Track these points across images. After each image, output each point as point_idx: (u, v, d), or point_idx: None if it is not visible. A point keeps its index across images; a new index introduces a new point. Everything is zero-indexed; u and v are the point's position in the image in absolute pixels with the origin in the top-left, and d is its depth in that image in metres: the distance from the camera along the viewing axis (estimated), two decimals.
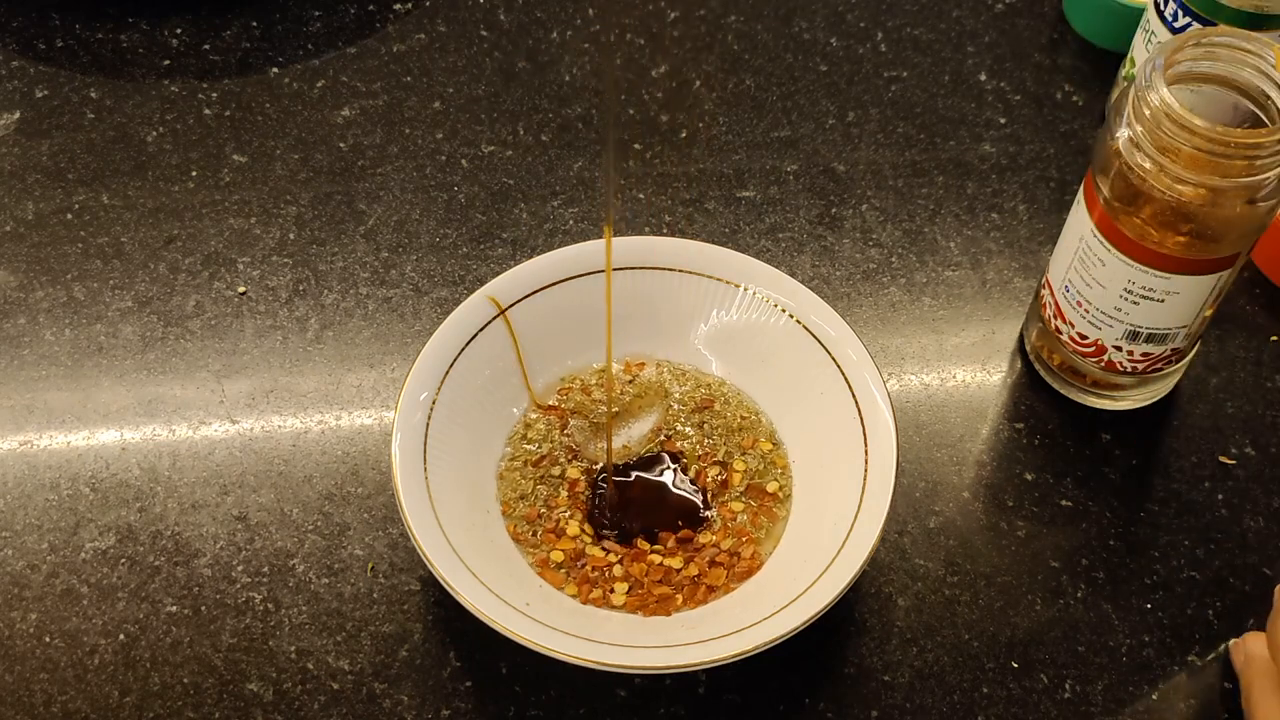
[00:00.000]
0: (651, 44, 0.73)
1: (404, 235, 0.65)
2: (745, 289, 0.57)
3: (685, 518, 0.55)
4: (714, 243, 0.58)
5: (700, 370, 0.59)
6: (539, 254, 0.57)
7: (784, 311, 0.56)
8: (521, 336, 0.57)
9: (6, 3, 0.74)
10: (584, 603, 0.52)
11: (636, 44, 0.73)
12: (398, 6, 0.74)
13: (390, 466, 0.51)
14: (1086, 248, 0.53)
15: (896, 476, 0.51)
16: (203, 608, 0.54)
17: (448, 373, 0.54)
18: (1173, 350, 0.56)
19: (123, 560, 0.55)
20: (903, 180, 0.68)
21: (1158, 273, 0.51)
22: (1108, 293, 0.54)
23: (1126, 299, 0.53)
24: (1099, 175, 0.52)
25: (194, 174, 0.68)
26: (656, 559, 0.53)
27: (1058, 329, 0.58)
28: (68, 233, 0.65)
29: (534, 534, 0.54)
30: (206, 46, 0.72)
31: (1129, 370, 0.57)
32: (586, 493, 0.55)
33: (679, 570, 0.53)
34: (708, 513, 0.55)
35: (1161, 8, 0.60)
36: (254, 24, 0.74)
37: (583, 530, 0.54)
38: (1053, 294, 0.57)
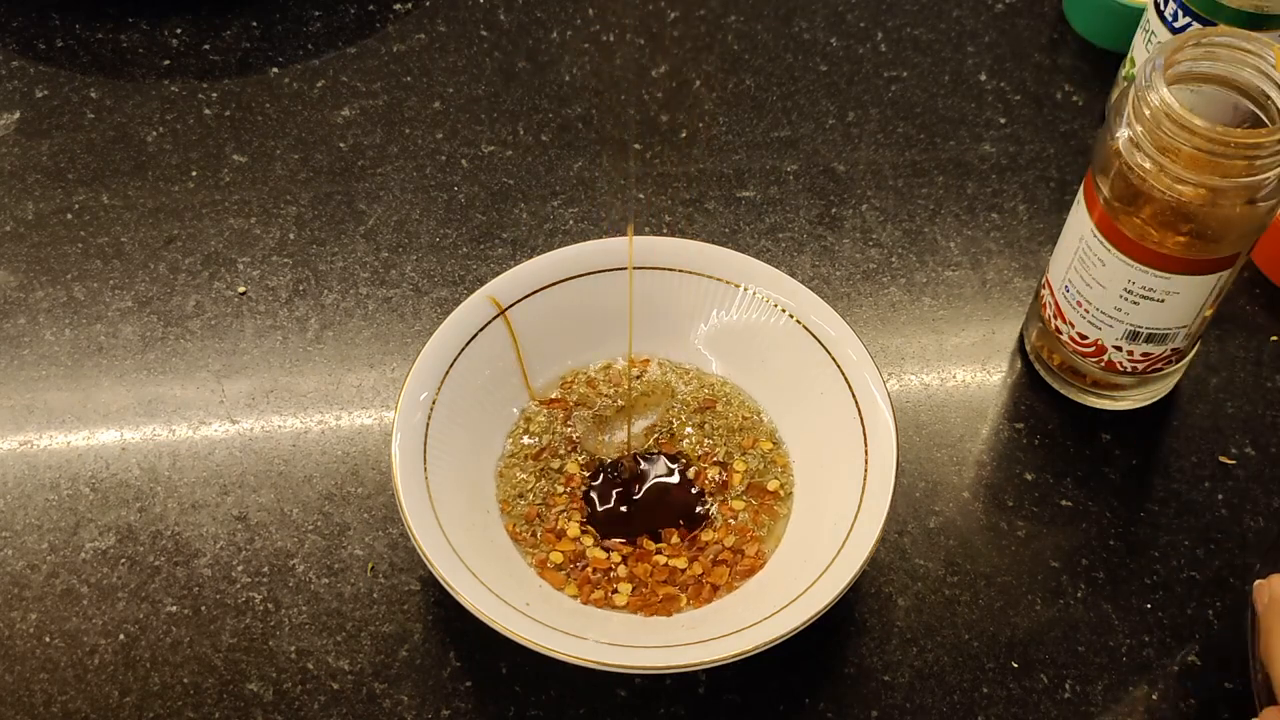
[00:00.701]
0: (651, 44, 0.73)
1: (404, 235, 0.65)
2: (745, 289, 0.57)
3: (685, 517, 0.55)
4: (714, 243, 0.58)
5: (702, 370, 0.59)
6: (539, 254, 0.57)
7: (784, 311, 0.56)
8: (521, 336, 0.57)
9: (6, 3, 0.74)
10: (584, 603, 0.52)
11: (636, 44, 0.73)
12: (398, 6, 0.74)
13: (390, 466, 0.51)
14: (1086, 248, 0.53)
15: (896, 476, 0.51)
16: (203, 608, 0.54)
17: (448, 373, 0.54)
18: (1173, 350, 0.56)
19: (123, 560, 0.55)
20: (903, 180, 0.68)
21: (1158, 273, 0.51)
22: (1108, 293, 0.54)
23: (1126, 299, 0.53)
24: (1099, 175, 0.52)
25: (194, 174, 0.68)
26: (661, 559, 0.53)
27: (1058, 329, 0.58)
28: (68, 233, 0.65)
29: (534, 534, 0.54)
30: (206, 46, 0.72)
31: (1129, 370, 0.57)
32: (584, 488, 0.55)
33: (683, 570, 0.53)
34: (709, 510, 0.55)
35: (1161, 8, 0.60)
36: (254, 24, 0.74)
37: (582, 532, 0.54)
38: (1053, 294, 0.57)
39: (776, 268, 0.57)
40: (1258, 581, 0.49)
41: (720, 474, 0.56)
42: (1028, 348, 0.62)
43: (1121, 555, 0.56)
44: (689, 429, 0.57)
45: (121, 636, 0.54)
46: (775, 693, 0.53)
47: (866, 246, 0.65)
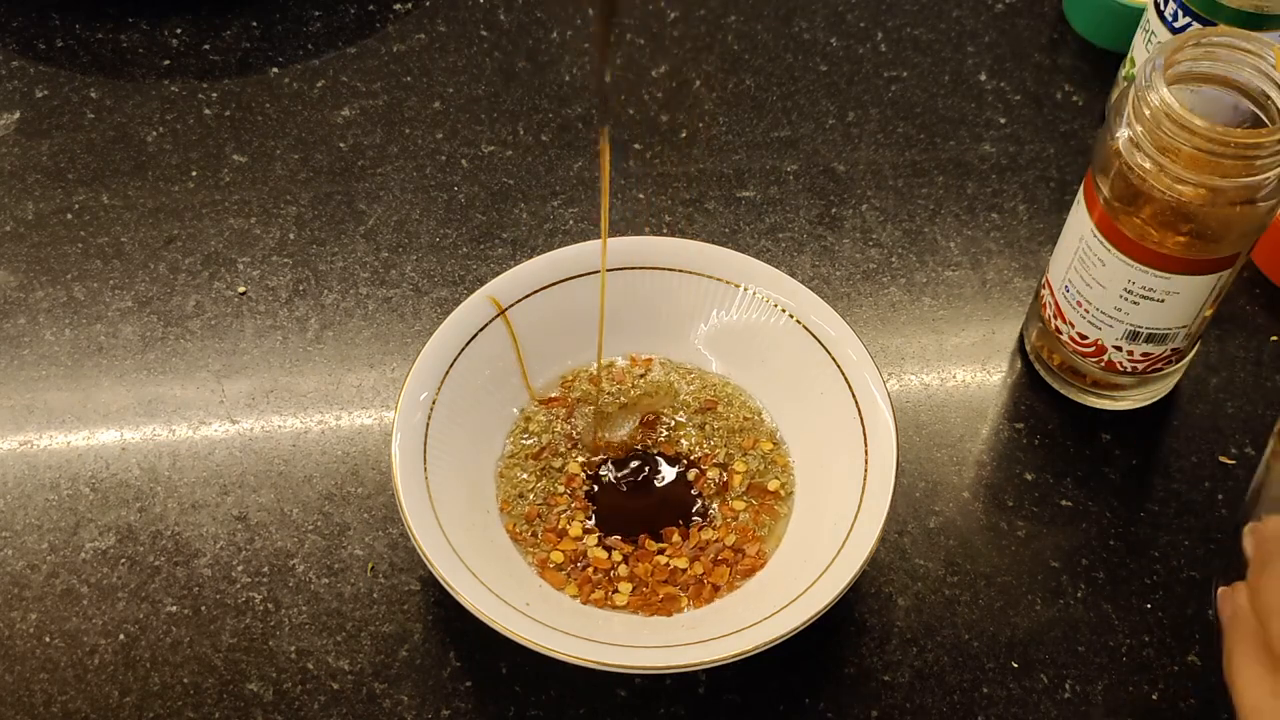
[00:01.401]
0: (651, 44, 0.73)
1: (404, 235, 0.65)
2: (745, 289, 0.57)
3: (686, 517, 0.55)
4: (714, 243, 0.58)
5: (704, 370, 0.59)
6: (539, 254, 0.57)
7: (784, 311, 0.56)
8: (521, 336, 0.57)
9: (6, 3, 0.74)
10: (585, 603, 0.52)
11: (636, 44, 0.73)
12: (398, 6, 0.74)
13: (390, 466, 0.51)
14: (1086, 248, 0.53)
15: (896, 476, 0.51)
16: (203, 608, 0.54)
17: (448, 373, 0.54)
18: (1173, 350, 0.56)
19: (123, 560, 0.55)
20: (903, 180, 0.68)
21: (1158, 273, 0.51)
22: (1108, 293, 0.54)
23: (1126, 299, 0.53)
24: (1099, 175, 0.52)
25: (194, 174, 0.68)
26: (662, 559, 0.53)
27: (1058, 329, 0.58)
28: (68, 233, 0.65)
29: (534, 534, 0.54)
30: (206, 46, 0.72)
31: (1129, 370, 0.57)
32: (587, 487, 0.55)
33: (684, 570, 0.53)
34: (709, 510, 0.55)
35: (1161, 8, 0.60)
36: (254, 24, 0.74)
37: (584, 531, 0.54)
38: (1053, 294, 0.57)
39: (776, 268, 0.57)
40: (1221, 589, 0.46)
41: (721, 475, 0.56)
42: (1028, 348, 0.62)
43: (1121, 555, 0.56)
44: (690, 429, 0.57)
45: (121, 636, 0.54)
46: (775, 693, 0.53)
47: (866, 246, 0.65)
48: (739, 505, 0.55)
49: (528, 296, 0.57)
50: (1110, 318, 0.55)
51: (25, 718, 0.52)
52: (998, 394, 0.61)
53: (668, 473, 0.56)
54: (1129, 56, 0.65)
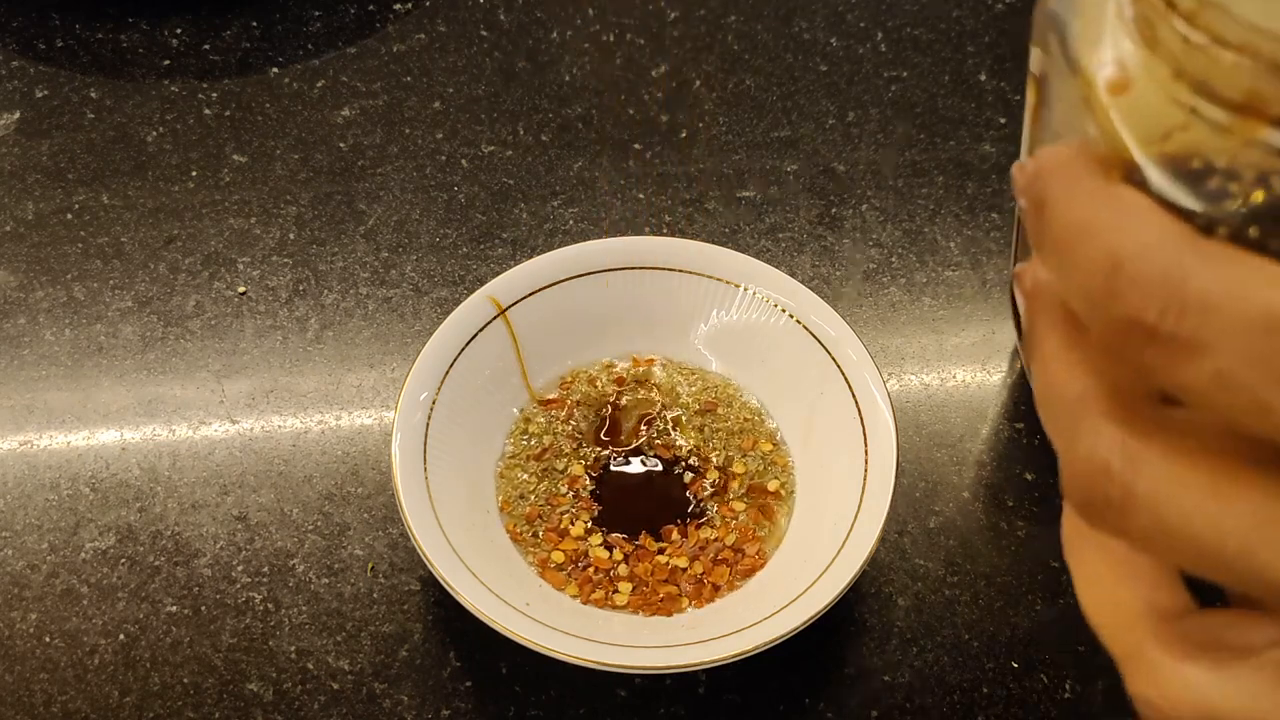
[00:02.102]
0: (651, 44, 0.73)
1: (404, 235, 0.65)
2: (745, 289, 0.57)
3: (685, 517, 0.55)
4: (714, 243, 0.58)
5: (705, 370, 0.59)
6: (539, 254, 0.57)
7: (784, 311, 0.56)
8: (521, 336, 0.57)
9: (6, 3, 0.74)
10: (585, 603, 0.52)
11: (636, 44, 0.73)
12: (398, 6, 0.74)
13: (390, 466, 0.51)
14: None
15: (896, 476, 0.51)
16: (203, 608, 0.54)
17: (448, 373, 0.54)
18: None
19: (123, 560, 0.55)
20: (903, 180, 0.68)
21: None
22: None
23: None
24: None
25: (194, 174, 0.68)
26: (663, 559, 0.53)
27: None
28: (68, 233, 0.65)
29: (535, 534, 0.54)
30: (206, 46, 0.72)
31: None
32: (590, 488, 0.55)
33: (685, 569, 0.53)
34: (708, 509, 0.55)
35: None
36: (254, 24, 0.74)
37: (587, 530, 0.54)
38: None
39: (776, 268, 0.57)
40: (1018, 267, 0.38)
41: (720, 476, 0.56)
42: None
43: None
44: (690, 430, 0.57)
45: (121, 636, 0.54)
46: (775, 693, 0.53)
47: (866, 246, 0.65)
48: (739, 505, 0.55)
49: (528, 296, 0.57)
50: None
51: (25, 718, 0.52)
52: (998, 394, 0.61)
53: (668, 473, 0.56)
54: None
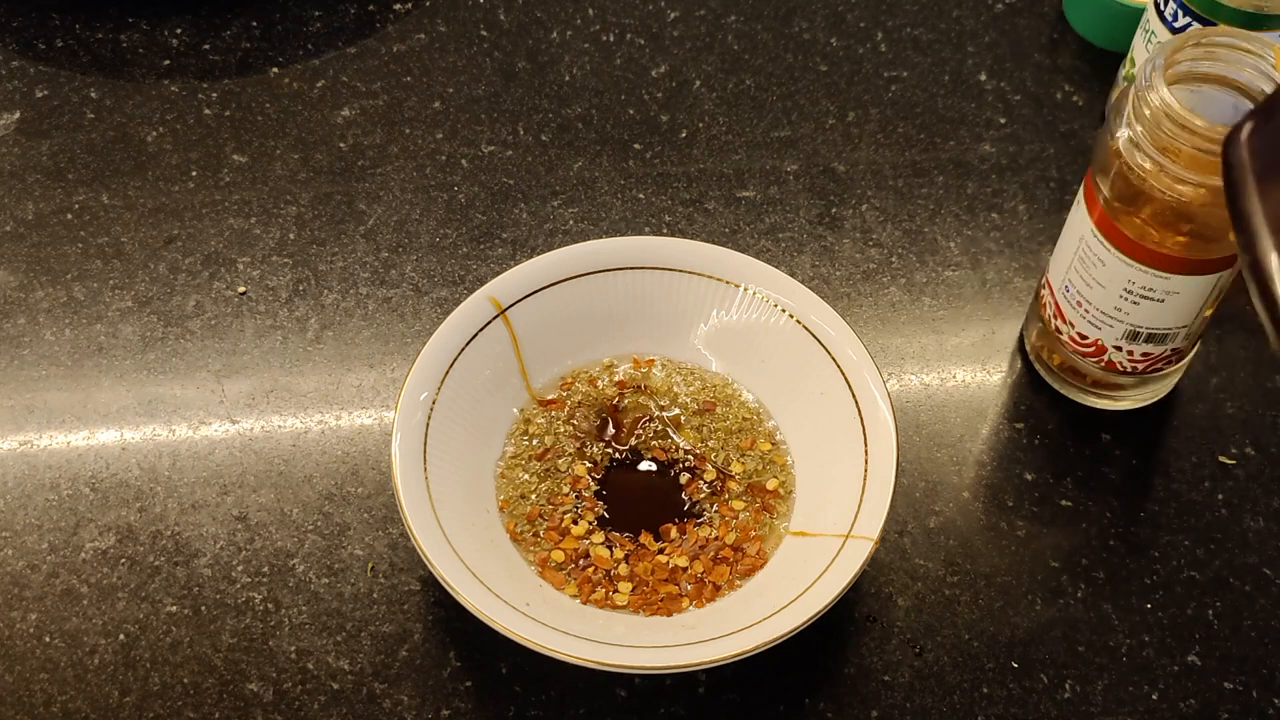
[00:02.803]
0: (651, 44, 0.73)
1: (404, 235, 0.65)
2: (745, 289, 0.57)
3: (684, 516, 0.55)
4: (714, 243, 0.58)
5: (704, 370, 0.59)
6: (539, 254, 0.57)
7: (784, 311, 0.56)
8: (521, 337, 0.57)
9: (6, 3, 0.74)
10: (585, 603, 0.52)
11: (636, 44, 0.73)
12: (398, 6, 0.74)
13: (390, 466, 0.51)
14: (1086, 248, 0.53)
15: (896, 476, 0.51)
16: (203, 608, 0.54)
17: (448, 373, 0.54)
18: (1173, 350, 0.56)
19: (123, 560, 0.55)
20: (903, 180, 0.68)
21: (1158, 273, 0.51)
22: (1108, 293, 0.54)
23: (1126, 299, 0.53)
24: (1099, 175, 0.52)
25: (194, 174, 0.68)
26: (664, 559, 0.53)
27: (1058, 329, 0.58)
28: (68, 233, 0.65)
29: (535, 533, 0.54)
30: (206, 46, 0.72)
31: (1129, 370, 0.57)
32: (593, 488, 0.55)
33: (685, 569, 0.53)
34: (707, 509, 0.55)
35: (1161, 8, 0.60)
36: (254, 24, 0.74)
37: (590, 529, 0.54)
38: (1053, 294, 0.57)
39: (776, 268, 0.57)
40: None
41: (718, 475, 0.56)
42: (1028, 348, 0.62)
43: (1121, 555, 0.56)
44: (689, 430, 0.57)
45: (121, 636, 0.54)
46: (775, 693, 0.53)
47: (866, 246, 0.65)
48: (738, 505, 0.55)
49: (528, 296, 0.57)
50: (1110, 318, 0.55)
51: (25, 718, 0.52)
52: (998, 394, 0.61)
53: (667, 473, 0.56)
54: (1129, 56, 0.65)
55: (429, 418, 0.53)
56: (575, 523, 0.54)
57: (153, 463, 0.58)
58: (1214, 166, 0.47)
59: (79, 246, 0.65)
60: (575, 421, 0.57)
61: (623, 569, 0.53)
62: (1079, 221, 0.54)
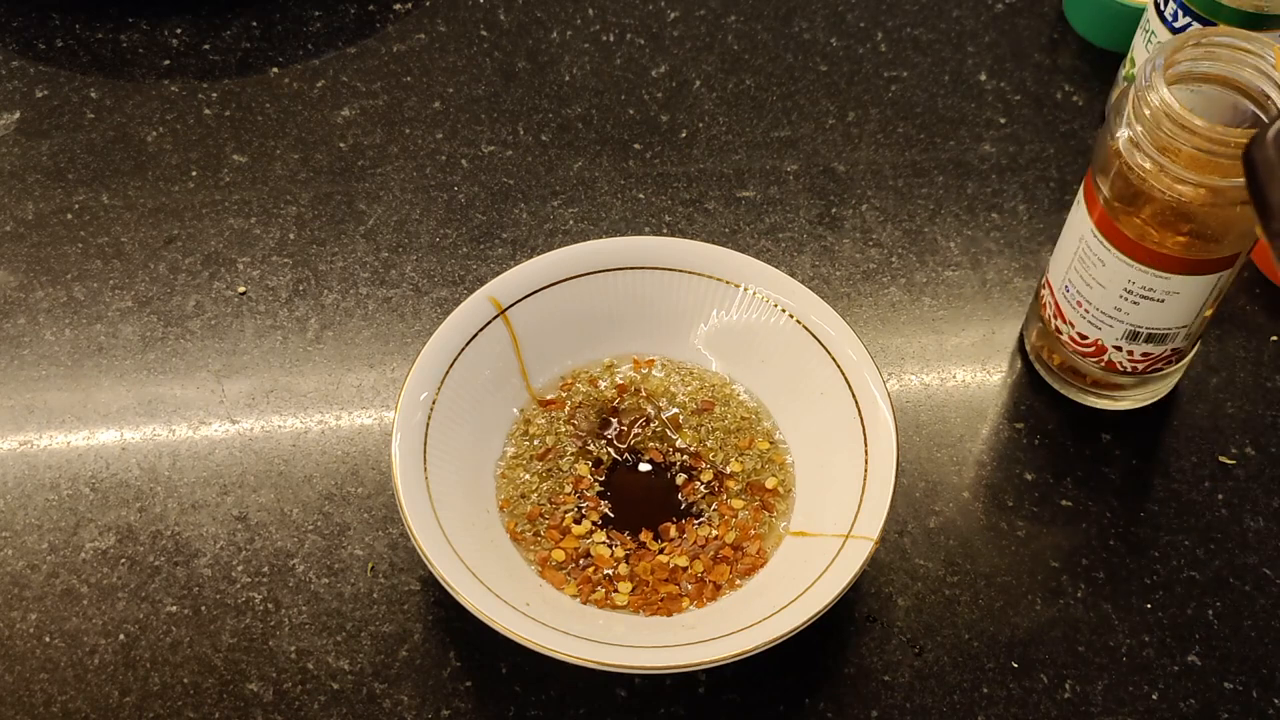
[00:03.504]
0: (651, 44, 0.73)
1: (404, 235, 0.65)
2: (745, 289, 0.57)
3: (682, 516, 0.55)
4: (714, 243, 0.58)
5: (704, 370, 0.59)
6: (539, 254, 0.57)
7: (784, 311, 0.56)
8: (521, 337, 0.57)
9: (6, 3, 0.74)
10: (584, 603, 0.52)
11: (636, 44, 0.73)
12: (398, 6, 0.74)
13: (390, 466, 0.51)
14: (1086, 248, 0.53)
15: (896, 476, 0.51)
16: (203, 608, 0.54)
17: (448, 373, 0.54)
18: (1173, 350, 0.56)
19: (123, 560, 0.55)
20: (903, 180, 0.68)
21: (1158, 273, 0.51)
22: (1108, 293, 0.54)
23: (1126, 299, 0.53)
24: (1099, 175, 0.52)
25: (194, 174, 0.68)
26: (664, 559, 0.53)
27: (1058, 329, 0.58)
28: (68, 233, 0.65)
29: (536, 533, 0.54)
30: (206, 46, 0.72)
31: (1129, 370, 0.57)
32: (595, 489, 0.55)
33: (685, 568, 0.53)
34: (706, 509, 0.55)
35: (1161, 8, 0.60)
36: (254, 24, 0.74)
37: (593, 528, 0.54)
38: (1053, 294, 0.57)
39: (776, 268, 0.57)
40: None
41: (714, 477, 0.56)
42: (1028, 348, 0.62)
43: (1121, 555, 0.56)
44: (687, 430, 0.57)
45: (121, 636, 0.54)
46: (775, 693, 0.53)
47: (866, 246, 0.65)
48: (737, 503, 0.55)
49: (528, 296, 0.57)
50: (1110, 318, 0.55)
51: (25, 718, 0.52)
52: (998, 394, 0.61)
53: (666, 473, 0.56)
54: (1129, 56, 0.65)
55: (429, 418, 0.53)
56: (578, 522, 0.54)
57: (153, 463, 0.58)
58: (1214, 166, 0.47)
59: (79, 246, 0.65)
60: (575, 422, 0.57)
61: (623, 569, 0.53)
62: (1079, 221, 0.54)
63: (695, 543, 0.54)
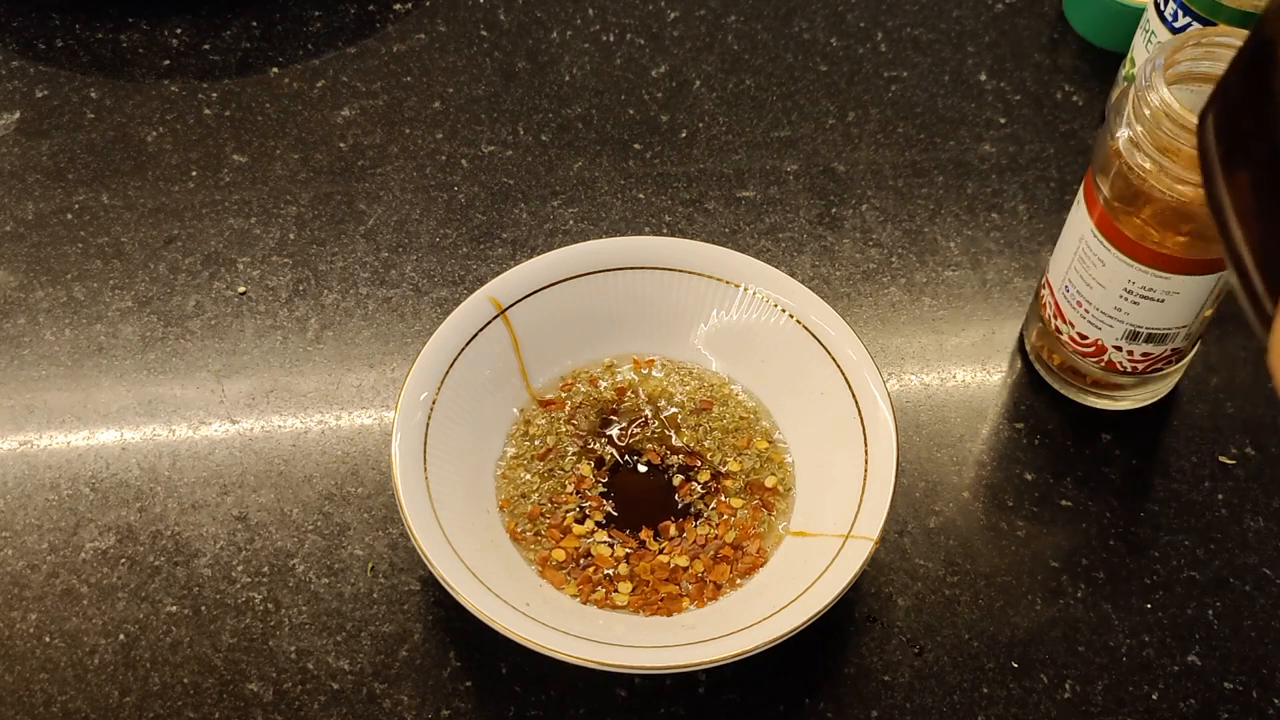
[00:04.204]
0: (651, 44, 0.73)
1: (404, 235, 0.65)
2: (745, 289, 0.57)
3: (682, 516, 0.55)
4: (714, 243, 0.58)
5: (704, 370, 0.59)
6: (539, 254, 0.57)
7: (784, 311, 0.56)
8: (521, 337, 0.57)
9: (6, 3, 0.74)
10: (585, 603, 0.52)
11: (636, 44, 0.73)
12: (398, 6, 0.74)
13: (390, 466, 0.51)
14: (1086, 248, 0.53)
15: (896, 476, 0.51)
16: (203, 608, 0.54)
17: (448, 373, 0.54)
18: (1173, 350, 0.56)
19: (123, 560, 0.55)
20: (903, 180, 0.68)
21: (1158, 273, 0.51)
22: (1108, 293, 0.54)
23: (1126, 299, 0.53)
24: (1099, 175, 0.52)
25: (194, 174, 0.68)
26: (664, 559, 0.53)
27: (1058, 329, 0.58)
28: (68, 233, 0.65)
29: (536, 533, 0.54)
30: (206, 46, 0.72)
31: (1129, 370, 0.57)
32: (596, 489, 0.55)
33: (685, 568, 0.53)
34: (705, 509, 0.55)
35: (1161, 8, 0.60)
36: (254, 24, 0.74)
37: (594, 527, 0.54)
38: (1053, 294, 0.57)
39: (776, 268, 0.57)
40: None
41: (712, 477, 0.56)
42: (1028, 348, 0.62)
43: (1121, 555, 0.56)
44: (685, 430, 0.57)
45: (121, 636, 0.54)
46: (775, 693, 0.53)
47: (866, 246, 0.65)
48: (737, 502, 0.55)
49: (528, 296, 0.57)
50: (1110, 318, 0.55)
51: (25, 718, 0.52)
52: (998, 394, 0.61)
53: (665, 473, 0.56)
54: (1129, 56, 0.65)
55: (429, 418, 0.53)
56: (580, 521, 0.54)
57: (153, 463, 0.58)
58: None
59: (79, 246, 0.65)
60: (576, 422, 0.57)
61: (623, 569, 0.53)
62: (1079, 221, 0.54)
63: (695, 542, 0.54)
